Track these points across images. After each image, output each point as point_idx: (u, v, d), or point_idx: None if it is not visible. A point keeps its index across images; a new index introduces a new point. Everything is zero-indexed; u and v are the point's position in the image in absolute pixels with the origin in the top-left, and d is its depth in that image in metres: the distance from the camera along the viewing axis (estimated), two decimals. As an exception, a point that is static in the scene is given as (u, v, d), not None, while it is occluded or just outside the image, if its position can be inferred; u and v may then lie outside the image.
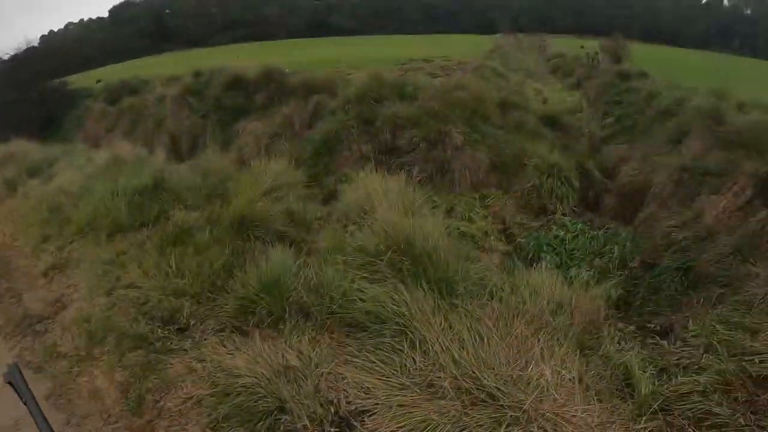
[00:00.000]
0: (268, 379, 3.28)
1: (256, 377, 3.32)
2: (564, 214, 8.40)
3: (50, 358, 4.91)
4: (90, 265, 5.78)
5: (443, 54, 20.20)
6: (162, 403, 3.73)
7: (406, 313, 3.56)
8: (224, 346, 3.82)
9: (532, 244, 7.49)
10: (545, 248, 7.34)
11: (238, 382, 3.34)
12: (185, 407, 3.56)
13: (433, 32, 51.73)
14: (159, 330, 4.27)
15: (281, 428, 3.03)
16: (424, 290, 3.79)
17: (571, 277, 5.96)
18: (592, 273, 6.67)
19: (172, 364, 3.93)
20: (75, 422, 4.10)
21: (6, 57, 24.20)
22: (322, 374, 3.35)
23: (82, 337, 4.83)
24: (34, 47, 23.79)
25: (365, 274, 4.11)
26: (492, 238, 7.61)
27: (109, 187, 6.98)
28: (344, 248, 4.60)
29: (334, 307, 3.85)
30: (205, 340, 4.04)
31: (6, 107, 20.61)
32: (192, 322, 4.31)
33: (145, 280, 4.90)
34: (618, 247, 7.36)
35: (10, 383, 1.35)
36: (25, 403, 1.30)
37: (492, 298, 3.90)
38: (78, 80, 23.64)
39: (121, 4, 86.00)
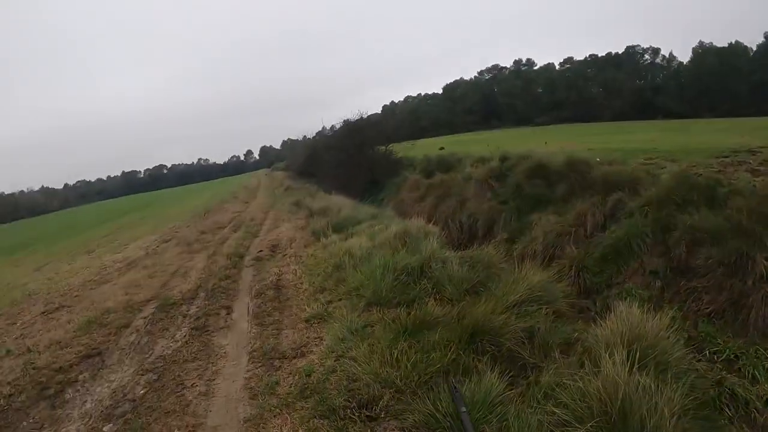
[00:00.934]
0: None
1: None
2: None
3: (265, 394, 5.33)
4: (339, 327, 6.21)
5: (776, 143, 16.35)
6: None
7: None
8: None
9: None
10: None
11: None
12: None
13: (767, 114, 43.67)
14: (350, 410, 4.37)
15: None
16: None
17: None
18: None
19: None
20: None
21: (343, 122, 27.75)
22: None
23: (295, 386, 5.26)
24: (374, 114, 27.37)
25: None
26: None
27: (384, 261, 7.54)
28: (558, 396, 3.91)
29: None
30: None
31: (338, 166, 24.41)
32: (382, 414, 4.27)
33: (369, 358, 5.03)
34: None
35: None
36: None
37: None
38: (404, 149, 25.74)
39: (453, 82, 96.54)
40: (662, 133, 27.93)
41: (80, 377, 6.30)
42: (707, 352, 6.42)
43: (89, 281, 12.65)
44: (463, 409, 1.16)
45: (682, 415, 3.72)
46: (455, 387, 1.26)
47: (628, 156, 15.63)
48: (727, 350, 6.38)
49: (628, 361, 4.00)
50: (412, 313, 5.77)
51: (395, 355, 4.87)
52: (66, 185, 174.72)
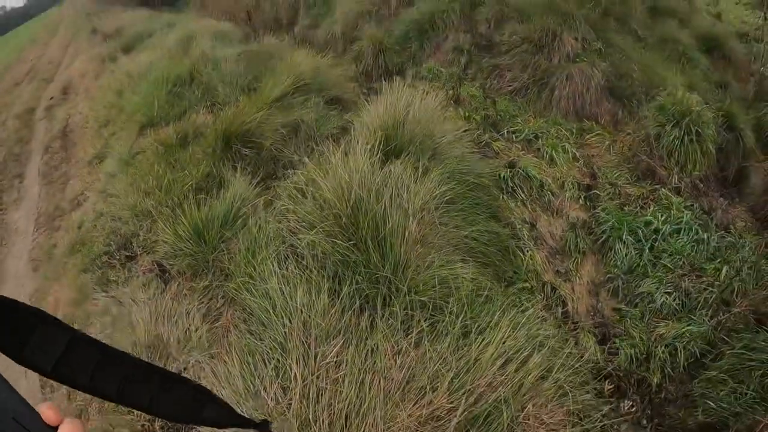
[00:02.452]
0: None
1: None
2: (678, 188, 5.61)
3: (45, 262, 5.14)
4: (112, 161, 5.69)
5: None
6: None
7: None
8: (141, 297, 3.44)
9: (611, 222, 5.12)
10: (625, 236, 4.96)
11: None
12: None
13: None
14: (109, 256, 4.13)
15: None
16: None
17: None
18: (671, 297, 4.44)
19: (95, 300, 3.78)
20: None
21: None
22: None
23: (67, 244, 4.93)
24: None
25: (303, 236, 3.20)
26: (567, 194, 5.39)
27: (158, 75, 6.65)
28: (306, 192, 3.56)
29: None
30: (134, 279, 3.73)
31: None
32: (138, 253, 4.01)
33: (130, 192, 4.58)
34: (728, 268, 4.61)
35: None
36: None
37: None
38: None
39: None
40: None
41: None
42: (505, 131, 6.23)
43: None
44: None
45: (434, 209, 3.52)
46: None
47: None
48: (527, 130, 6.22)
49: (378, 151, 3.68)
50: (174, 127, 5.25)
51: (151, 181, 4.40)
52: None
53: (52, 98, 11.22)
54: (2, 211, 6.83)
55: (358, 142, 3.77)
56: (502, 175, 5.20)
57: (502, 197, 5.00)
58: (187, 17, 12.45)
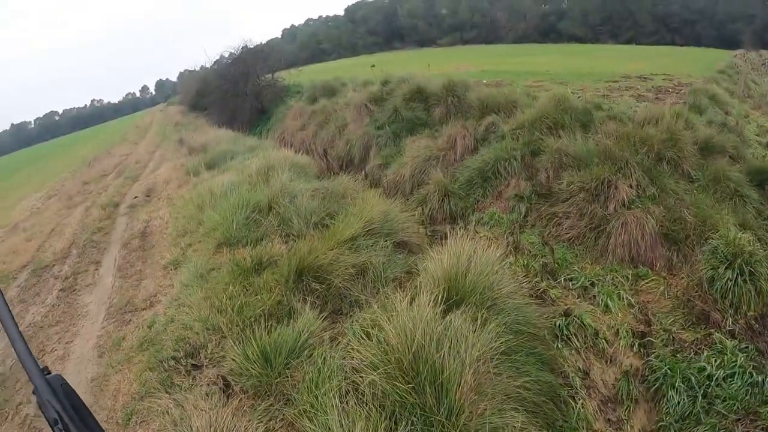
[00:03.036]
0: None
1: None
2: (732, 330, 5.61)
3: (111, 351, 5.42)
4: (188, 272, 6.11)
5: (666, 71, 17.36)
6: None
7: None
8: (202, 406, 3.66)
9: (664, 370, 5.18)
10: (678, 383, 4.99)
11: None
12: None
13: (668, 43, 46.24)
14: (177, 360, 4.41)
15: None
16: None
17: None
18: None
19: (158, 399, 3.98)
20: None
21: (228, 53, 25.91)
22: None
23: (136, 340, 5.35)
24: (258, 45, 25.61)
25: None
26: (621, 342, 5.55)
27: (239, 198, 7.35)
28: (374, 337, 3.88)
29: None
30: (198, 388, 3.99)
31: (225, 98, 23.21)
32: (206, 363, 4.32)
33: (203, 305, 4.99)
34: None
35: None
36: None
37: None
38: (291, 77, 24.86)
39: (355, 3, 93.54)
40: (561, 56, 28.11)
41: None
42: (562, 279, 6.49)
43: (-29, 256, 11.84)
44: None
45: (489, 359, 3.72)
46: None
47: (518, 78, 15.63)
48: (583, 277, 6.44)
49: (440, 302, 4.00)
50: (252, 252, 5.74)
51: (224, 299, 4.84)
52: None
53: (136, 197, 12.30)
54: (75, 293, 7.32)
55: (422, 292, 4.14)
56: (557, 324, 5.44)
57: (557, 345, 5.19)
58: (266, 144, 13.69)
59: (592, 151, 7.92)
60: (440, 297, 4.06)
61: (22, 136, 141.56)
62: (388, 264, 5.46)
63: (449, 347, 3.52)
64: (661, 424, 4.83)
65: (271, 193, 7.19)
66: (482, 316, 4.07)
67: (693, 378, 5.03)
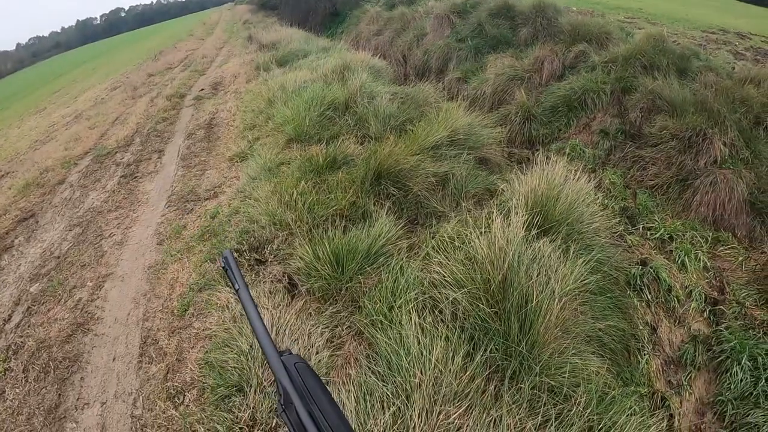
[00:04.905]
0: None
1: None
2: None
3: (171, 239, 5.30)
4: (255, 165, 5.87)
5: (767, 33, 15.58)
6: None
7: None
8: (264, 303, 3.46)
9: (732, 343, 4.70)
10: (744, 361, 4.53)
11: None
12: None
13: None
14: (242, 253, 4.16)
15: None
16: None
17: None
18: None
19: (218, 292, 3.86)
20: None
21: None
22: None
23: (197, 229, 5.21)
24: None
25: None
26: (693, 304, 5.07)
27: (312, 95, 6.97)
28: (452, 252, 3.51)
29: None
30: (261, 284, 3.75)
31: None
32: (270, 258, 4.06)
33: (271, 199, 4.72)
34: None
35: (224, 269, 1.28)
36: (236, 291, 1.23)
37: None
38: None
39: None
40: None
41: (16, 242, 6.16)
42: (641, 227, 6.06)
43: (36, 141, 12.06)
44: (236, 286, 1.00)
45: (577, 296, 3.44)
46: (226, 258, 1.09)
47: (609, 10, 14.65)
48: (663, 229, 5.98)
49: (532, 226, 3.65)
50: (326, 150, 5.36)
51: (294, 195, 4.51)
52: (18, 45, 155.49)
53: (202, 89, 12.03)
54: (136, 179, 7.26)
55: (516, 212, 3.74)
56: (632, 272, 5.00)
57: (629, 294, 4.79)
58: (340, 46, 13.05)
59: (688, 100, 7.22)
60: (532, 221, 3.71)
61: (89, 32, 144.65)
62: (471, 178, 5.06)
63: (539, 275, 3.17)
64: (719, 398, 4.42)
65: (349, 92, 6.77)
66: (573, 248, 3.73)
67: (760, 359, 4.54)
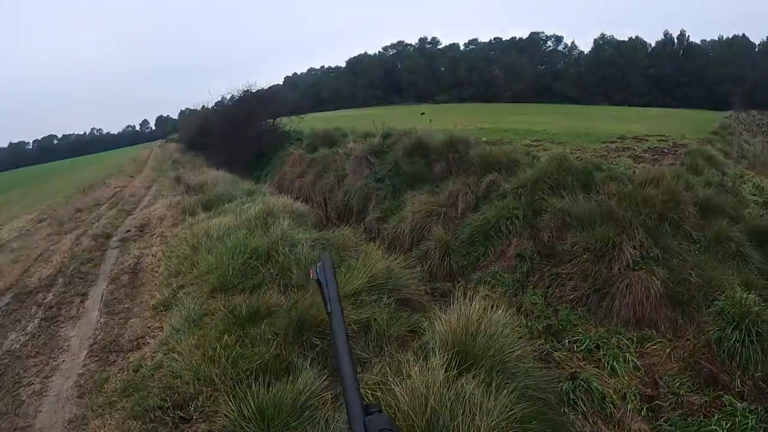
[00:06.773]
0: None
1: None
2: (741, 392, 5.41)
3: (92, 392, 5.13)
4: (179, 315, 5.91)
5: (660, 132, 17.86)
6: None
7: None
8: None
9: None
10: None
11: None
12: None
13: (659, 105, 48.26)
14: (163, 411, 4.14)
15: None
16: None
17: None
18: None
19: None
20: None
21: (230, 95, 26.53)
22: None
23: (120, 383, 5.07)
24: (260, 90, 25.94)
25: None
26: (629, 405, 5.32)
27: (236, 243, 7.19)
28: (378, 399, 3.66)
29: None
30: None
31: (225, 139, 23.37)
32: (195, 416, 4.08)
33: (194, 353, 4.76)
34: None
35: (317, 281, 1.18)
36: (328, 314, 1.14)
37: None
38: (292, 123, 25.03)
39: (358, 56, 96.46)
40: (557, 116, 28.83)
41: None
42: (566, 341, 6.38)
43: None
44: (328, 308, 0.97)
45: (504, 429, 3.49)
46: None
47: (517, 136, 16.07)
48: (587, 340, 6.33)
49: (452, 367, 3.84)
50: (249, 301, 5.54)
51: (218, 349, 4.62)
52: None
53: (128, 231, 12.09)
54: (57, 324, 7.07)
55: (432, 354, 3.98)
56: (563, 388, 5.27)
57: (563, 410, 4.99)
58: (264, 190, 13.67)
59: (594, 212, 7.85)
60: (452, 360, 3.91)
61: (21, 156, 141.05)
62: (392, 322, 5.26)
63: (464, 413, 3.35)
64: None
65: (271, 240, 7.05)
66: (495, 382, 3.89)
67: (707, 442, 4.83)
